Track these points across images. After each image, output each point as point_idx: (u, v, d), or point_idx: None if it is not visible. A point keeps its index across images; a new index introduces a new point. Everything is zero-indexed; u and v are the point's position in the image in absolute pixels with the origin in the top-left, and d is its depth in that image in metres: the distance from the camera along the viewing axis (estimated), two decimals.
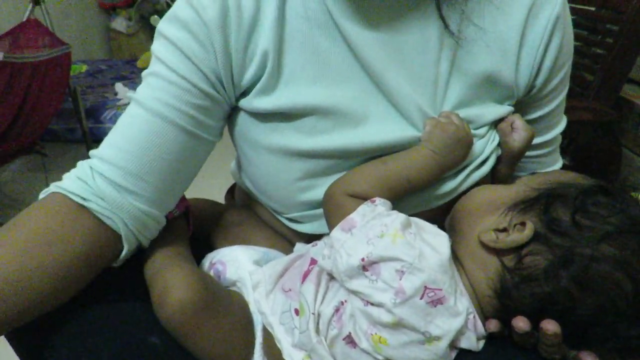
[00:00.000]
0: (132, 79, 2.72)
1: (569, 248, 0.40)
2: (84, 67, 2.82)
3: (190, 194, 0.61)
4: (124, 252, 0.49)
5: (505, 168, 0.58)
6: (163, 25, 0.50)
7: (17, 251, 0.42)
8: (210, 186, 0.82)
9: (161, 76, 0.49)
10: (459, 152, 0.50)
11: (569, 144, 1.53)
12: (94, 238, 0.46)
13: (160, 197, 0.50)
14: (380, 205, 0.45)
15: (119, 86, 2.44)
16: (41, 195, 0.48)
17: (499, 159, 0.57)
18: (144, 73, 0.51)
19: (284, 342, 0.47)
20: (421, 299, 0.40)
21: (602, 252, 0.39)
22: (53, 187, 0.48)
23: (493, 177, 0.58)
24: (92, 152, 0.50)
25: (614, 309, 0.39)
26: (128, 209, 0.47)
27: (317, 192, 0.52)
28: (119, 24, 3.19)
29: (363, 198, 0.46)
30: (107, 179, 0.47)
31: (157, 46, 0.50)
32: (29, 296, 0.42)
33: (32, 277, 0.42)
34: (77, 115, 1.98)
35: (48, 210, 0.46)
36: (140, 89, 0.50)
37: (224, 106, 0.52)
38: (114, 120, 2.19)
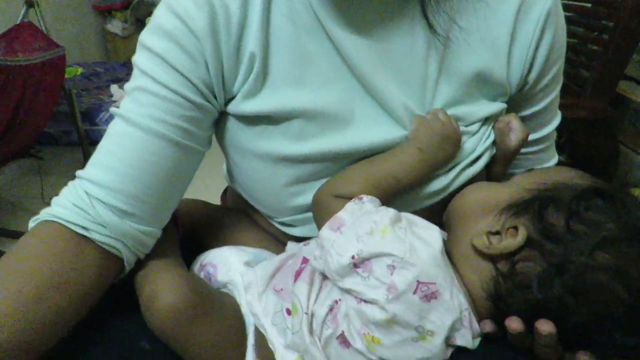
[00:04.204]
0: (128, 81, 2.71)
1: (563, 255, 0.39)
2: (80, 70, 2.80)
3: (186, 196, 0.60)
4: (125, 272, 0.49)
5: (500, 167, 0.57)
6: (146, 37, 0.48)
7: (31, 299, 0.41)
8: (206, 187, 0.82)
9: (149, 90, 0.47)
10: (446, 149, 0.50)
11: (566, 142, 1.53)
12: (100, 269, 0.46)
13: (158, 214, 0.50)
14: (368, 202, 0.45)
15: (114, 88, 2.43)
16: (32, 224, 0.47)
17: (493, 159, 0.56)
18: (127, 87, 0.49)
19: (277, 343, 0.46)
20: (414, 294, 0.39)
21: (597, 260, 0.38)
22: (47, 215, 0.46)
23: (487, 177, 0.57)
24: (80, 174, 0.48)
25: (609, 317, 0.38)
26: (129, 232, 0.47)
27: (307, 196, 0.51)
28: (115, 26, 3.18)
29: (351, 199, 0.46)
30: (107, 205, 0.46)
31: (142, 59, 0.48)
32: (45, 340, 0.42)
33: (47, 322, 0.42)
34: (73, 118, 1.98)
35: (52, 248, 0.44)
36: (126, 104, 0.48)
37: (213, 114, 0.51)
38: (110, 122, 2.15)
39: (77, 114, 1.98)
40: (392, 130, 0.50)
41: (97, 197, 0.46)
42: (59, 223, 0.45)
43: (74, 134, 2.14)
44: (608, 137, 1.52)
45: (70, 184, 0.48)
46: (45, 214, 0.46)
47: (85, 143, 2.02)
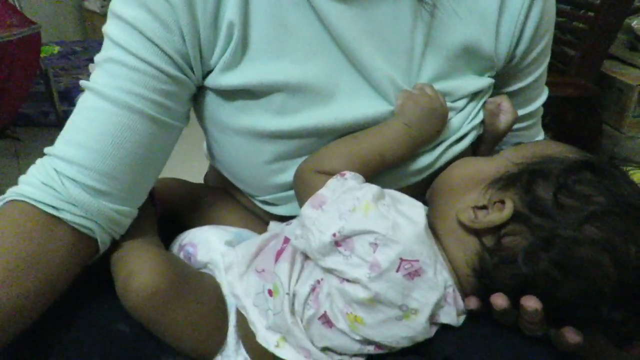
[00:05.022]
0: None
1: (551, 229, 0.38)
2: (56, 49, 2.73)
3: (169, 175, 0.59)
4: (100, 253, 0.47)
5: (486, 148, 0.57)
6: (118, 5, 0.45)
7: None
8: (188, 169, 0.80)
9: (121, 62, 0.44)
10: (433, 124, 0.49)
11: (551, 120, 1.54)
12: (72, 250, 0.44)
13: (133, 193, 0.48)
14: (351, 178, 0.43)
15: (93, 67, 2.37)
16: None
17: (480, 139, 0.56)
18: (97, 58, 0.46)
19: (258, 324, 0.45)
20: (397, 271, 0.39)
21: (585, 234, 0.37)
22: (14, 194, 0.44)
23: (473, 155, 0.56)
24: (49, 150, 0.46)
25: (597, 293, 0.37)
26: (103, 212, 0.45)
27: (289, 174, 0.50)
28: (93, 3, 3.09)
29: (333, 175, 0.44)
30: (78, 183, 0.44)
31: (112, 28, 0.45)
32: (13, 326, 0.41)
33: (16, 307, 0.40)
34: (50, 98, 1.93)
35: (20, 229, 0.42)
36: (96, 77, 0.46)
37: (191, 88, 0.49)
38: None
39: (55, 94, 1.93)
40: (377, 104, 0.49)
41: (67, 175, 0.44)
42: (27, 202, 0.43)
43: (51, 115, 2.08)
44: (593, 115, 1.53)
45: (39, 161, 0.46)
46: (12, 193, 0.44)
47: (63, 124, 1.97)
